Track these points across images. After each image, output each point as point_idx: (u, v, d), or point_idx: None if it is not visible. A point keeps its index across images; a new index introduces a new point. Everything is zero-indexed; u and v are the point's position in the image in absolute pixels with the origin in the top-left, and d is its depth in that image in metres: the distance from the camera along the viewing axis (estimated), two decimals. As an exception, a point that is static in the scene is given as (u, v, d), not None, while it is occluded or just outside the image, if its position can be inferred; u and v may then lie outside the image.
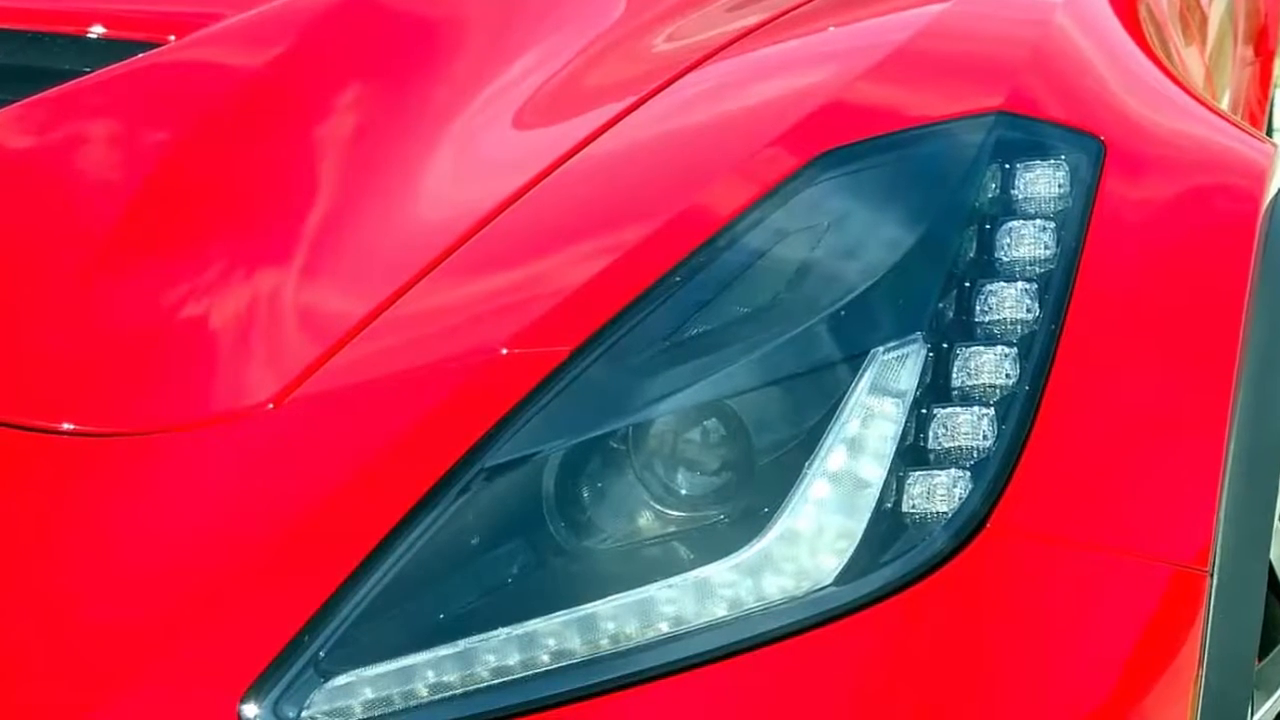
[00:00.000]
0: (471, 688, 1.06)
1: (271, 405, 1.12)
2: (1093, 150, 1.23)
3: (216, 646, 1.05)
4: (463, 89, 1.36)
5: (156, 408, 1.14)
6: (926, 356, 1.13)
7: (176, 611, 1.06)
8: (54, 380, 1.16)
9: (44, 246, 1.24)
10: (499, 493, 1.10)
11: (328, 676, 1.05)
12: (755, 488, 1.11)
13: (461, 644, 1.06)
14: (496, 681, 1.06)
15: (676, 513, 1.12)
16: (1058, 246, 1.18)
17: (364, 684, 1.05)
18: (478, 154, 1.31)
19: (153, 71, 1.37)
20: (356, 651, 1.05)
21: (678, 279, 1.14)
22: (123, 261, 1.21)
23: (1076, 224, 1.19)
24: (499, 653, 1.06)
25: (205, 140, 1.31)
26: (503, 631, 1.06)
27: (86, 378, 1.16)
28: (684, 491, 1.12)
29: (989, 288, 1.16)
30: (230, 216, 1.26)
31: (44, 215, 1.27)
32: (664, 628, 1.07)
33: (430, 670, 1.06)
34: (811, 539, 1.09)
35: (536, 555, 1.10)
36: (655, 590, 1.08)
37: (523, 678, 1.06)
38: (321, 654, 1.05)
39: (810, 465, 1.10)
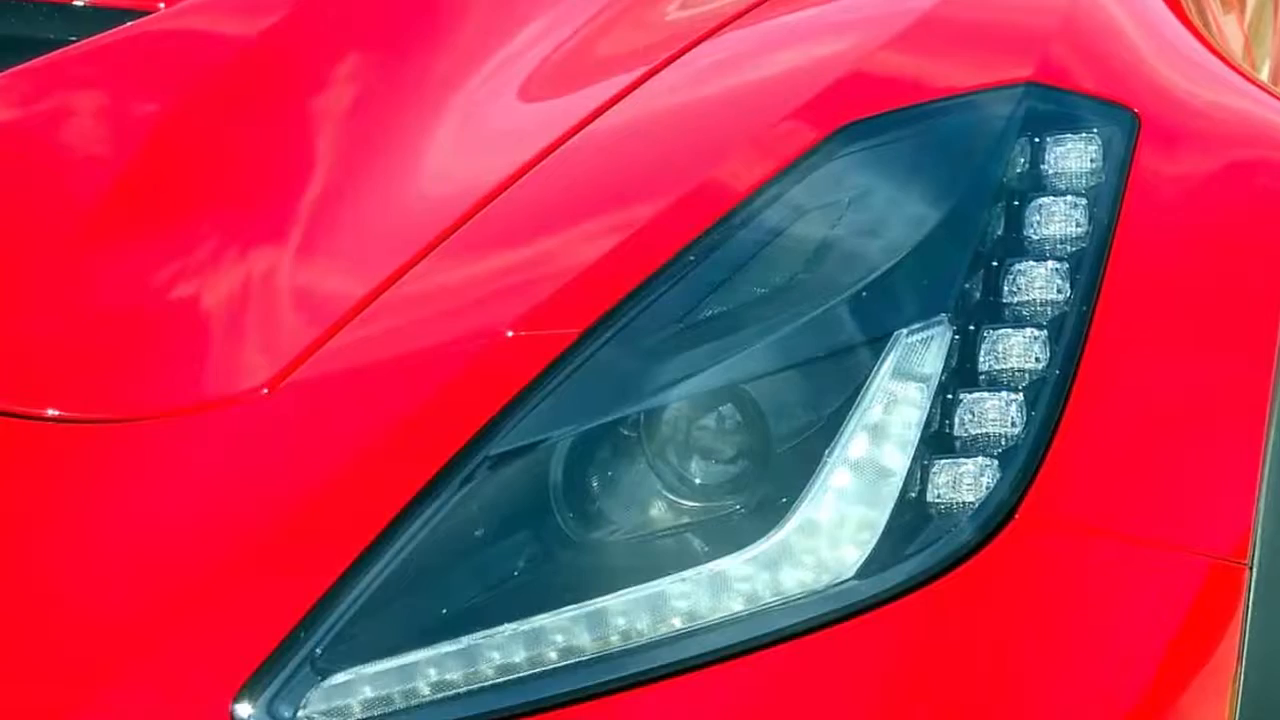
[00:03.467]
0: (475, 686, 1.03)
1: (266, 390, 1.09)
2: (1126, 123, 1.20)
3: (208, 643, 1.02)
4: (466, 59, 1.34)
5: (146, 393, 1.11)
6: (952, 339, 1.10)
7: (166, 606, 1.03)
8: (39, 364, 1.14)
9: (30, 225, 1.22)
10: (504, 482, 1.07)
11: (325, 674, 1.02)
12: (773, 477, 1.08)
13: (465, 640, 1.03)
14: (502, 680, 1.03)
15: (690, 503, 1.08)
16: (1090, 224, 1.15)
17: (363, 682, 1.02)
18: (481, 127, 1.29)
19: (142, 41, 1.35)
20: (355, 648, 1.02)
21: (691, 258, 1.11)
22: (111, 240, 1.19)
23: (1109, 200, 1.16)
24: (504, 650, 1.03)
25: (196, 114, 1.29)
26: (508, 627, 1.03)
27: (73, 361, 1.13)
28: (698, 481, 1.09)
29: (1018, 267, 1.13)
30: (222, 193, 1.23)
31: (29, 192, 1.25)
32: (677, 623, 1.04)
33: (432, 668, 1.03)
34: (832, 530, 1.06)
35: (543, 547, 1.07)
36: (668, 584, 1.04)
37: (529, 676, 1.03)
38: (318, 651, 1.02)
39: (830, 453, 1.06)
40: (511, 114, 1.29)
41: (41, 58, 1.32)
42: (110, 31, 1.34)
